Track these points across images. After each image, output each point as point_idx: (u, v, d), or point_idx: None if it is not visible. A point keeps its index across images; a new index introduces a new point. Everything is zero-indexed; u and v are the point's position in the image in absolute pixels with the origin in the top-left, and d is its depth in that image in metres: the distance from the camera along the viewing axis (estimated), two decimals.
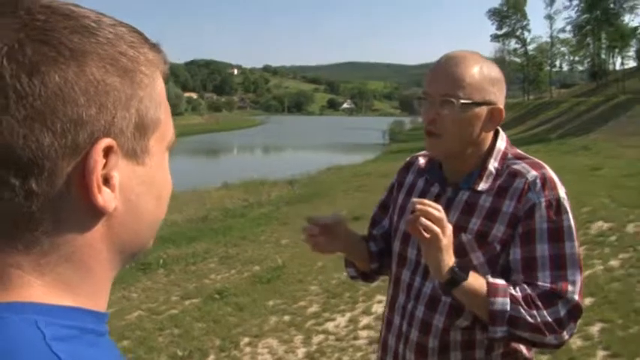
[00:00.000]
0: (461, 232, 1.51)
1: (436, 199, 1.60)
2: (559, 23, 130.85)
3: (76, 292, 0.54)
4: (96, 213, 0.53)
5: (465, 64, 1.48)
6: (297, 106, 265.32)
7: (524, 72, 63.36)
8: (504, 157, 1.56)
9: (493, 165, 1.54)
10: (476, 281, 1.42)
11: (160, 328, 5.11)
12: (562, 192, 1.49)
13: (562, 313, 1.41)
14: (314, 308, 5.50)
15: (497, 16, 65.68)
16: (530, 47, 65.74)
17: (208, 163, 34.83)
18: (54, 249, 0.52)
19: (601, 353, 4.03)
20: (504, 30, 65.77)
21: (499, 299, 1.40)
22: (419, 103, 1.56)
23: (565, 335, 1.43)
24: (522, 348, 1.57)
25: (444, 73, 1.49)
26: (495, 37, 66.55)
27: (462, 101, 1.46)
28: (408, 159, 1.82)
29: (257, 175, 18.97)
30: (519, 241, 1.46)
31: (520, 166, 1.52)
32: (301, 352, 4.55)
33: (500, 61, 73.17)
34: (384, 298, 5.39)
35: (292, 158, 35.45)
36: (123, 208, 0.55)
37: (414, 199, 1.40)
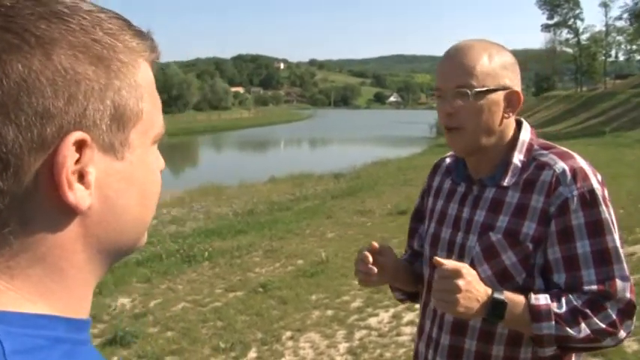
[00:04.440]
0: (489, 232, 1.45)
1: (462, 199, 1.56)
2: (615, 11, 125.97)
3: (50, 297, 0.50)
4: (68, 211, 0.49)
5: (473, 53, 1.42)
6: (344, 99, 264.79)
7: (577, 63, 61.40)
8: (530, 149, 1.48)
9: (518, 158, 1.47)
10: (516, 308, 1.35)
11: (203, 320, 5.16)
12: (595, 182, 1.39)
13: (614, 315, 1.34)
14: (357, 303, 5.45)
15: (548, 5, 63.77)
16: (583, 37, 63.67)
17: (256, 157, 35.17)
18: (24, 250, 0.49)
19: None
20: (555, 19, 63.87)
21: (544, 324, 1.33)
22: (435, 100, 1.51)
23: (622, 334, 1.36)
24: None
25: (454, 65, 1.44)
26: (546, 27, 64.72)
27: (476, 90, 1.40)
28: (435, 162, 1.78)
29: (304, 169, 19.04)
30: (557, 239, 1.38)
31: (547, 157, 1.44)
32: (343, 347, 4.51)
33: (550, 52, 71.18)
34: None
35: (339, 152, 35.45)
36: (100, 206, 0.51)
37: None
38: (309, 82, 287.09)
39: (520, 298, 1.36)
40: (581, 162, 1.42)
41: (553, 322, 1.33)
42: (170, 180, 21.56)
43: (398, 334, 4.65)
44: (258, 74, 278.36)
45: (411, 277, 1.73)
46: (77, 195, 0.48)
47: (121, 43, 0.52)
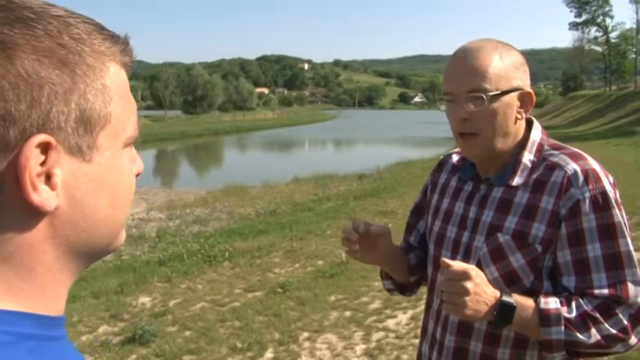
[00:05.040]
0: (497, 233, 1.42)
1: (469, 198, 1.53)
2: None
3: (18, 295, 0.51)
4: (35, 212, 0.50)
5: (484, 54, 1.37)
6: (368, 100, 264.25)
7: (606, 61, 60.28)
8: (540, 149, 1.44)
9: (528, 158, 1.43)
10: (525, 311, 1.32)
11: (221, 319, 5.18)
12: (607, 184, 1.35)
13: (625, 320, 1.30)
14: (376, 304, 5.42)
15: (576, 2, 62.73)
16: (612, 35, 62.50)
17: (280, 158, 35.23)
18: None
19: None
20: (584, 17, 62.83)
21: (553, 329, 1.30)
22: (444, 105, 1.46)
23: (634, 340, 1.32)
24: None
25: (465, 68, 1.38)
26: (574, 26, 63.67)
27: (491, 93, 1.36)
28: (441, 158, 1.74)
29: (327, 170, 19.02)
30: (567, 242, 1.34)
31: (558, 157, 1.40)
32: (360, 348, 4.49)
33: (579, 51, 69.98)
34: None
35: (363, 152, 35.35)
36: (68, 206, 0.52)
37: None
38: (334, 82, 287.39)
39: (529, 302, 1.33)
40: (593, 163, 1.38)
41: (562, 328, 1.30)
42: (194, 180, 21.78)
43: (415, 337, 4.60)
44: (282, 75, 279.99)
45: (404, 266, 1.71)
46: (42, 196, 0.49)
47: (88, 47, 0.53)
